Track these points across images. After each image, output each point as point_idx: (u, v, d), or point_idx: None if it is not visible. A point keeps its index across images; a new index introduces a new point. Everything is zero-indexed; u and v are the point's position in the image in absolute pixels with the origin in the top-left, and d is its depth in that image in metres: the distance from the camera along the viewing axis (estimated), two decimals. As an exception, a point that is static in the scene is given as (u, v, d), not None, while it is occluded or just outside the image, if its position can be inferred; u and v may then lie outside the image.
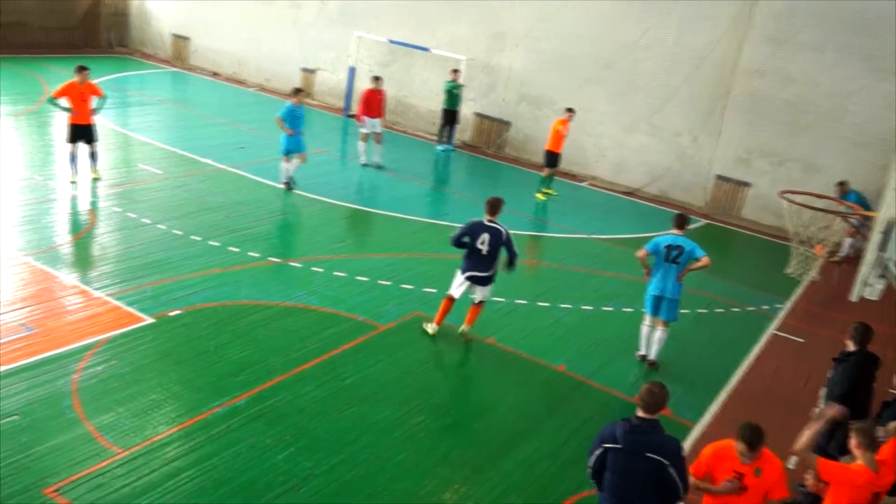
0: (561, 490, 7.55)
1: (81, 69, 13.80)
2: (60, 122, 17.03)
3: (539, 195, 17.35)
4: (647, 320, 10.11)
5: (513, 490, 7.45)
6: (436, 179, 18.51)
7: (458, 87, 19.89)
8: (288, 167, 15.02)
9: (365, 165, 17.51)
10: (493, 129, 21.18)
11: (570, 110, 17.27)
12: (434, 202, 16.56)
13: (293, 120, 14.78)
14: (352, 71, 22.46)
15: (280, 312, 10.20)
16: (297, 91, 15.28)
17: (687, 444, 8.30)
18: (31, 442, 7.05)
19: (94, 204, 13.17)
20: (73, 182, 13.84)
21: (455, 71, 19.96)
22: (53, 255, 10.96)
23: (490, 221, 9.82)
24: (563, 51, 19.70)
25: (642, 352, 10.26)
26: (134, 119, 19.17)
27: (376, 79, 17.51)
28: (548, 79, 20.11)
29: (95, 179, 14.14)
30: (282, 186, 15.03)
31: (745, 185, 18.10)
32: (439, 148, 20.37)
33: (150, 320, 9.48)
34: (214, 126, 19.67)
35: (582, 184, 19.50)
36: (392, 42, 21.74)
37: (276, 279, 11.20)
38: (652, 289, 9.86)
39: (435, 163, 19.71)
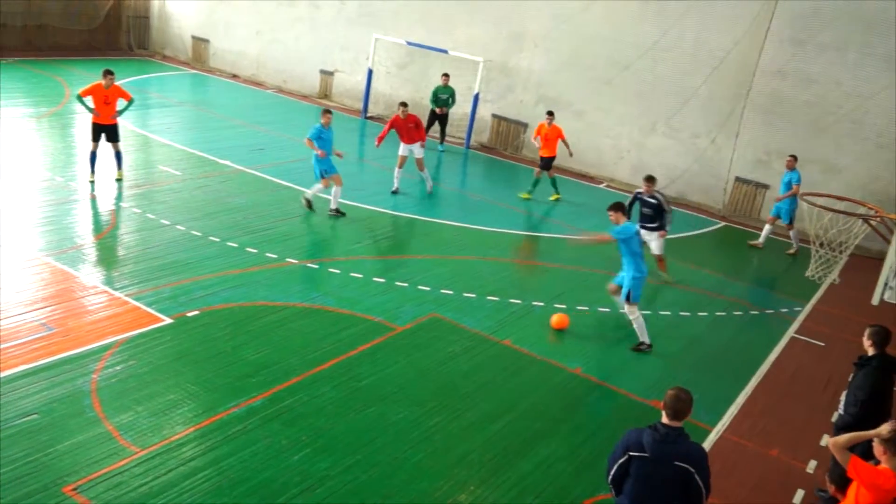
0: (577, 492, 7.52)
1: (107, 73, 13.98)
2: (82, 124, 17.23)
3: (552, 196, 17.29)
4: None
5: (529, 492, 7.43)
6: (451, 181, 18.50)
7: (446, 90, 20.12)
8: (320, 188, 14.19)
9: (394, 193, 16.02)
10: (511, 130, 21.16)
11: (549, 113, 17.16)
12: (450, 204, 16.54)
13: (321, 142, 13.99)
14: (370, 73, 22.53)
15: (297, 313, 10.23)
16: (326, 112, 14.29)
17: (704, 447, 8.25)
18: (50, 440, 7.12)
19: (114, 205, 13.28)
20: (91, 181, 13.99)
21: (445, 76, 20.18)
22: (74, 255, 11.06)
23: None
24: (581, 52, 19.65)
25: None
26: (154, 121, 19.33)
27: (403, 105, 15.84)
28: (566, 80, 20.06)
29: (118, 180, 14.27)
30: (331, 212, 14.23)
31: (765, 186, 17.96)
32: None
33: (168, 320, 9.55)
34: (233, 128, 19.78)
35: (599, 185, 19.42)
36: (410, 44, 21.78)
37: (294, 280, 11.25)
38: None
39: (451, 164, 19.72)
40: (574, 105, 20.00)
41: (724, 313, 12.46)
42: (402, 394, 8.76)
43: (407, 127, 15.88)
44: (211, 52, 27.00)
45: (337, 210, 14.24)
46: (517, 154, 20.98)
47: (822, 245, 14.31)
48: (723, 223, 17.83)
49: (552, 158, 17.14)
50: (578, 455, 8.12)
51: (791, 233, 15.91)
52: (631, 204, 12.75)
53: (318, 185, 14.22)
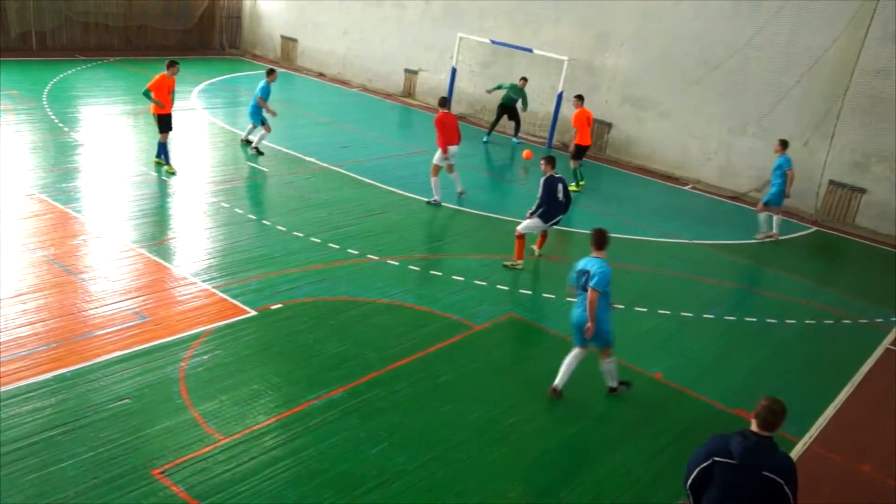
0: (655, 500, 7.39)
1: (172, 64, 14.66)
2: (175, 122, 17.87)
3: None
4: (574, 351, 8.81)
5: (605, 496, 7.34)
6: (533, 180, 18.37)
7: (519, 92, 20.31)
8: (265, 134, 16.66)
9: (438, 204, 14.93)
10: (595, 130, 20.87)
11: (576, 97, 17.43)
12: (531, 203, 16.41)
13: (268, 96, 16.53)
14: (453, 72, 22.62)
15: (377, 309, 10.37)
16: (273, 72, 16.83)
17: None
18: (141, 425, 7.42)
19: (203, 199, 13.72)
20: (171, 172, 14.61)
21: (523, 79, 20.34)
22: (165, 247, 11.49)
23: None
24: (669, 51, 19.26)
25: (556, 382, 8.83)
26: (243, 118, 19.79)
27: (445, 100, 15.41)
28: (653, 79, 19.70)
29: (160, 165, 14.87)
30: (252, 151, 16.61)
31: (861, 191, 17.24)
32: (484, 139, 20.84)
33: (253, 313, 9.81)
34: (318, 125, 20.18)
35: (685, 187, 19.00)
36: (494, 43, 21.77)
37: (374, 276, 11.40)
38: (572, 317, 8.68)
39: (534, 163, 19.61)
40: (661, 105, 19.63)
41: (813, 321, 12.02)
42: (479, 392, 8.77)
43: (455, 126, 14.85)
44: (299, 51, 27.61)
45: (258, 149, 16.61)
46: (601, 154, 20.70)
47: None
48: (814, 228, 17.19)
49: (582, 148, 17.21)
50: (656, 462, 7.97)
51: (771, 217, 15.44)
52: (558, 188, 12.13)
53: (263, 131, 16.58)
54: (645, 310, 11.45)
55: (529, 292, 11.48)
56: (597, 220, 15.40)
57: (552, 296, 11.50)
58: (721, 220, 16.71)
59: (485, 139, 20.71)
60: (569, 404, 8.79)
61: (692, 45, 18.88)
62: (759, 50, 17.95)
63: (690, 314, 11.56)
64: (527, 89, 20.51)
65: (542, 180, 12.03)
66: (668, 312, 11.51)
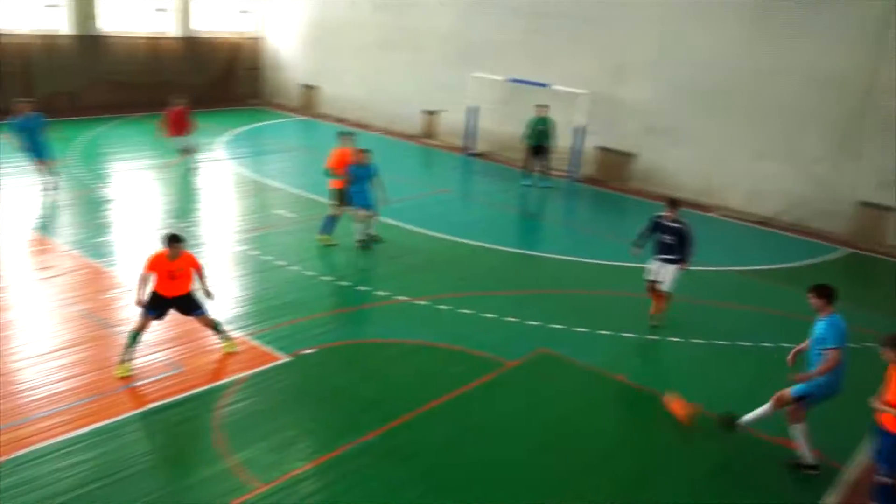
0: (701, 535, 7.21)
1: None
2: (204, 174, 18.15)
3: None
4: None
5: (650, 534, 7.18)
6: (559, 215, 18.38)
7: (544, 122, 19.74)
8: None
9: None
10: (617, 161, 20.89)
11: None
12: (558, 238, 16.42)
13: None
14: (472, 110, 22.79)
15: (408, 350, 10.34)
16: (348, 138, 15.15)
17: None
18: (178, 476, 7.42)
19: (231, 248, 13.84)
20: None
21: (541, 107, 19.83)
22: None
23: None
24: (689, 78, 19.27)
25: None
26: (268, 166, 20.13)
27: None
28: (674, 108, 19.70)
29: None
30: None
31: (893, 210, 17.00)
32: (524, 182, 20.10)
33: (286, 358, 9.83)
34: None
35: (711, 214, 18.87)
36: (511, 80, 21.93)
37: (404, 317, 11.38)
38: None
39: (558, 198, 19.61)
40: (684, 133, 19.60)
41: (856, 345, 11.76)
42: (515, 431, 8.67)
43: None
44: (319, 98, 28.04)
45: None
46: (626, 185, 20.65)
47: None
48: (848, 250, 16.95)
49: None
50: (700, 495, 7.79)
51: None
52: (651, 230, 11.46)
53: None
54: (679, 339, 11.30)
55: (561, 327, 11.38)
56: (624, 251, 15.35)
57: (584, 329, 11.39)
58: (751, 246, 16.55)
59: (527, 183, 19.97)
60: (607, 439, 8.65)
61: (712, 72, 18.88)
62: (779, 74, 17.90)
63: (726, 342, 11.39)
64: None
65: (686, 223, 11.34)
66: (703, 341, 11.35)
